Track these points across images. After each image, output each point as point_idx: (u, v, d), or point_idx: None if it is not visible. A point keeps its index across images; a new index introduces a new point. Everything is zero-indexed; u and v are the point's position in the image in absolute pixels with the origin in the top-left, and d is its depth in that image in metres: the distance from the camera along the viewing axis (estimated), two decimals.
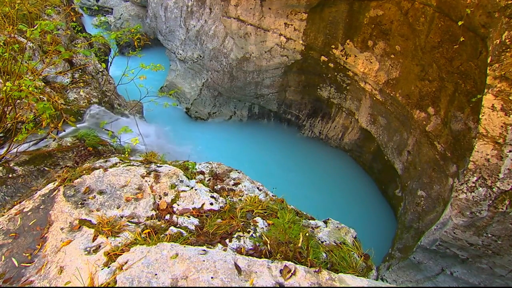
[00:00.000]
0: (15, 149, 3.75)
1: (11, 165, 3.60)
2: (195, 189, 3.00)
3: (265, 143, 9.50)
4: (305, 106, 9.32)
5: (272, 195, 3.24)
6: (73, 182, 2.95)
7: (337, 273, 1.99)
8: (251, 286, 1.83)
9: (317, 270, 1.97)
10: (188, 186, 3.06)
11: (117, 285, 1.83)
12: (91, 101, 5.43)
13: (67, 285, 2.02)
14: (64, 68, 5.65)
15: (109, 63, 8.71)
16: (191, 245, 2.20)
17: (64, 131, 4.48)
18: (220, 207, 2.81)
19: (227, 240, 2.37)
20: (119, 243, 2.26)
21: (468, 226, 4.09)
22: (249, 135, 9.92)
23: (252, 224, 2.59)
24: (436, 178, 5.57)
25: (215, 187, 3.25)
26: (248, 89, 9.07)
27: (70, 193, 2.83)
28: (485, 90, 3.75)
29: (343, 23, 6.76)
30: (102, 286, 1.88)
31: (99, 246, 2.27)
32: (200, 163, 3.72)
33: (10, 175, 3.50)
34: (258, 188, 3.32)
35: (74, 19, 7.21)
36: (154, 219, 2.63)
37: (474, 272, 4.66)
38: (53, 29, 3.32)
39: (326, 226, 2.82)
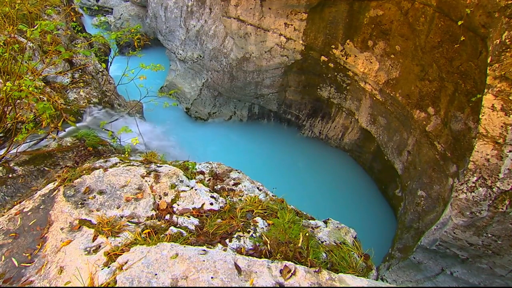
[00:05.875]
0: (15, 149, 3.75)
1: (11, 165, 3.60)
2: (195, 189, 3.00)
3: (265, 143, 9.49)
4: (305, 106, 9.32)
5: (272, 195, 3.24)
6: (73, 182, 2.95)
7: (337, 273, 1.99)
8: (251, 286, 1.83)
9: (317, 270, 1.97)
10: (188, 186, 3.06)
11: (117, 285, 1.83)
12: (91, 101, 5.43)
13: (67, 285, 2.02)
14: (64, 68, 5.65)
15: (109, 63, 8.71)
16: (191, 245, 2.20)
17: (64, 131, 4.48)
18: (220, 207, 2.81)
19: (227, 240, 2.37)
20: (119, 243, 2.26)
21: (468, 226, 4.09)
22: (249, 135, 9.91)
23: (252, 224, 2.59)
24: (436, 178, 5.57)
25: (215, 187, 3.25)
26: (248, 89, 9.07)
27: (70, 193, 2.83)
28: (485, 90, 3.75)
29: (343, 23, 6.76)
30: (102, 286, 1.88)
31: (99, 246, 2.27)
32: (200, 163, 3.71)
33: (10, 175, 3.50)
34: (258, 188, 3.32)
35: (74, 19, 7.21)
36: (154, 219, 2.63)
37: (474, 272, 4.66)
38: (53, 29, 3.32)
39: (326, 226, 2.82)
